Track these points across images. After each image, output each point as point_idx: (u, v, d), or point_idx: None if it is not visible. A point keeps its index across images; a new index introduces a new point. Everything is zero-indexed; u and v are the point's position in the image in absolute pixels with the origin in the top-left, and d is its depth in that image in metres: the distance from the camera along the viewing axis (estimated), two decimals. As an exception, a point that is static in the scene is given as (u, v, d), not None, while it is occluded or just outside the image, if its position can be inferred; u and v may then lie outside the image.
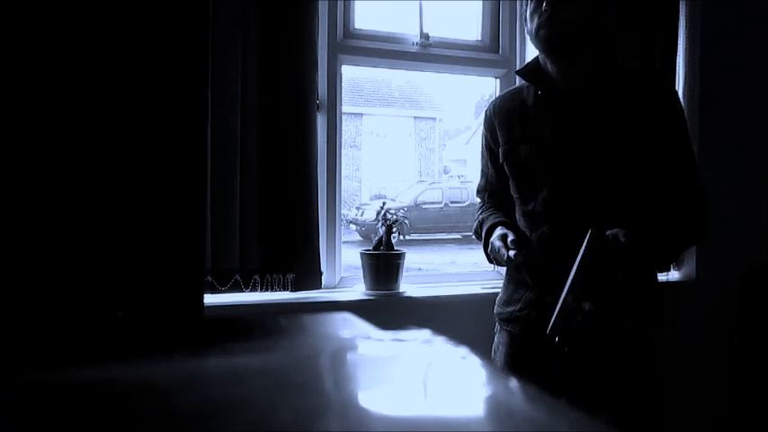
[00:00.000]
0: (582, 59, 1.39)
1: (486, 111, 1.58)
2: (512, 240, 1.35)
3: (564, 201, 1.38)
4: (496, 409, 0.35)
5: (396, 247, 1.93)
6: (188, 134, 0.53)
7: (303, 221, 1.79)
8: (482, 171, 1.63)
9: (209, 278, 1.69)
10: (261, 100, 1.75)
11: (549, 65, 1.41)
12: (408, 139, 17.78)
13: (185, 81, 0.52)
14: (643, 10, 2.15)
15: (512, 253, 1.32)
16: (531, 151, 1.42)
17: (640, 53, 2.16)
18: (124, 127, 0.50)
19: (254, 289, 1.76)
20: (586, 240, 1.20)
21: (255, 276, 1.75)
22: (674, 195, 1.40)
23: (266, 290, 1.77)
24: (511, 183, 1.50)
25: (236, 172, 1.72)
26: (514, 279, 1.51)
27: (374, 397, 0.36)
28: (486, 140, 1.56)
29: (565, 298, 1.21)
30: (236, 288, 1.74)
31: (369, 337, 0.47)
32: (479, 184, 1.66)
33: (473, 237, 1.63)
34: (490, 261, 1.54)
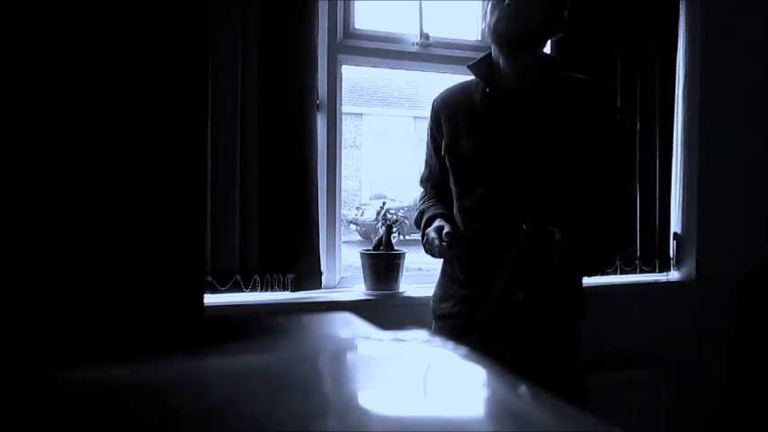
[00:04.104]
0: (528, 59, 1.39)
1: (433, 102, 1.57)
2: (446, 233, 1.35)
3: (499, 199, 1.39)
4: (496, 409, 0.35)
5: (396, 247, 1.93)
6: (188, 134, 0.53)
7: (303, 221, 1.79)
8: (426, 161, 1.63)
9: (209, 278, 1.69)
10: (261, 100, 1.75)
11: (501, 62, 1.42)
12: (408, 139, 17.75)
13: (185, 81, 0.52)
14: (643, 10, 2.15)
15: (444, 244, 1.33)
16: (471, 147, 1.43)
17: (640, 53, 2.16)
18: (124, 127, 0.49)
19: (254, 289, 1.76)
20: (521, 234, 1.23)
21: (255, 276, 1.75)
22: (598, 205, 1.42)
23: (266, 290, 1.77)
24: (450, 177, 1.50)
25: (236, 172, 1.72)
26: (448, 275, 1.52)
27: (374, 397, 0.36)
28: (432, 132, 1.56)
29: (494, 289, 1.25)
30: (236, 288, 1.74)
31: (369, 337, 0.47)
32: (423, 174, 1.66)
33: (414, 227, 1.63)
34: (427, 252, 1.52)
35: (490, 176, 1.40)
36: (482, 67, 1.46)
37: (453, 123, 1.48)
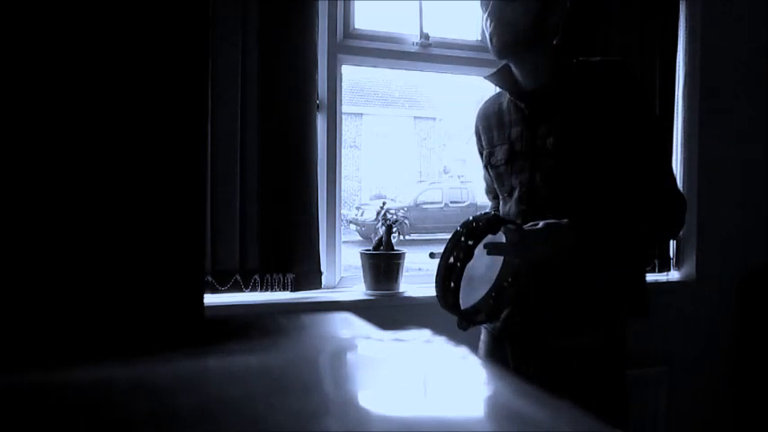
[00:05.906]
0: (538, 58, 1.37)
1: (476, 116, 1.61)
2: None
3: (533, 202, 1.38)
4: (496, 409, 0.35)
5: (396, 247, 1.93)
6: (188, 134, 0.53)
7: (303, 221, 1.79)
8: (483, 176, 1.67)
9: (209, 278, 1.69)
10: (261, 100, 1.75)
11: (514, 68, 1.42)
12: (408, 139, 17.75)
13: (185, 81, 0.52)
14: (643, 10, 2.15)
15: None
16: (504, 154, 1.45)
17: (640, 53, 2.16)
18: (124, 127, 0.49)
19: (254, 289, 1.76)
20: (469, 225, 1.24)
21: (255, 276, 1.75)
22: (639, 194, 1.32)
23: (266, 290, 1.77)
24: (495, 185, 1.53)
25: (236, 172, 1.72)
26: None
27: (374, 397, 0.36)
28: (477, 145, 1.60)
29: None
30: (236, 288, 1.74)
31: (369, 337, 0.47)
32: (485, 189, 1.71)
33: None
34: None
35: (521, 180, 1.41)
36: (502, 75, 1.45)
37: (489, 134, 1.52)
